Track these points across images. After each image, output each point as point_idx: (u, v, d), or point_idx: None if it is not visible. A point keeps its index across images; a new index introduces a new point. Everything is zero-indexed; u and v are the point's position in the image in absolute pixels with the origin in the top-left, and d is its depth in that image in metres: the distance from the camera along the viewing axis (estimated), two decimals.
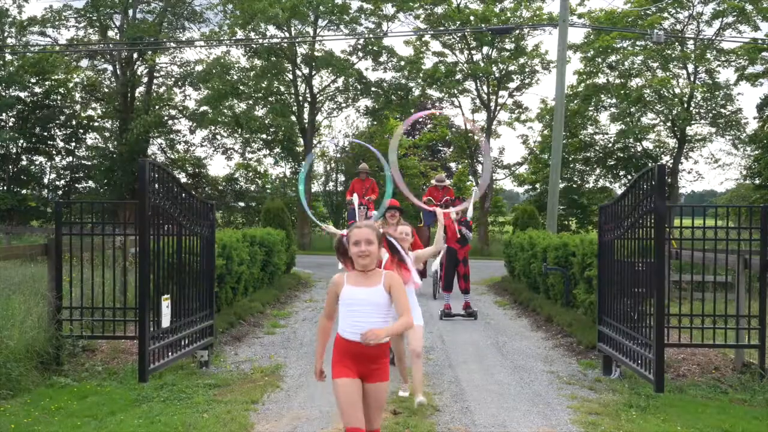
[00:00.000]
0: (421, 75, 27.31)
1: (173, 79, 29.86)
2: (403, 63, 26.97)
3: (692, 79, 27.07)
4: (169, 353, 6.82)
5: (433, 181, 15.51)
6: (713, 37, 26.18)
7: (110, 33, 29.47)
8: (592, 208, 28.38)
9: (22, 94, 28.47)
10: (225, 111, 27.21)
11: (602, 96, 27.80)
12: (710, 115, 27.43)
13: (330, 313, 4.10)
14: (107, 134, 30.24)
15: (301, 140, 28.15)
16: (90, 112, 30.63)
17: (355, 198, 13.51)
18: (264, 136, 28.53)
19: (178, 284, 7.03)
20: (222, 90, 25.87)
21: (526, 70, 27.44)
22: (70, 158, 30.10)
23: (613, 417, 5.78)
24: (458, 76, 27.42)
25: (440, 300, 11.93)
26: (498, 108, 28.29)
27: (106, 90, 30.36)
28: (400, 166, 31.46)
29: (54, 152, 29.67)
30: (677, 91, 27.31)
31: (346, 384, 3.91)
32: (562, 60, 18.21)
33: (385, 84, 27.58)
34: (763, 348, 6.96)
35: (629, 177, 28.03)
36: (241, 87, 26.72)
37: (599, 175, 30.27)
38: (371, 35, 26.54)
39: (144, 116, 27.13)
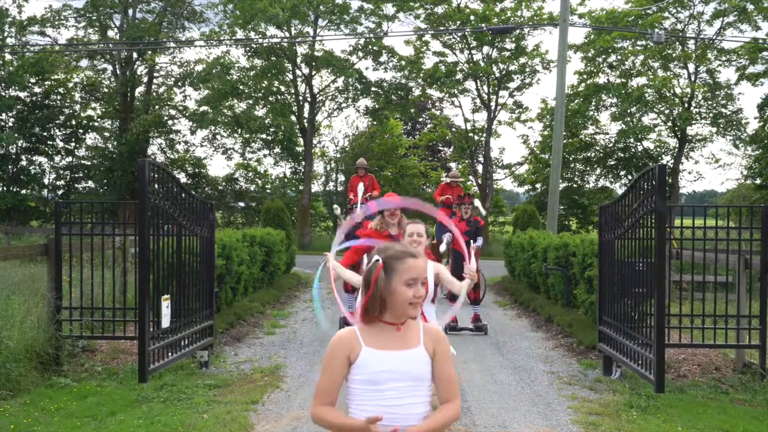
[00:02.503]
0: (421, 75, 27.32)
1: (173, 79, 29.86)
2: (403, 63, 26.97)
3: (693, 78, 27.06)
4: (169, 353, 6.81)
5: (445, 178, 15.10)
6: (714, 37, 26.17)
7: (110, 33, 29.46)
8: (592, 208, 28.37)
9: (21, 94, 28.47)
10: (225, 111, 27.21)
11: (603, 96, 27.80)
12: (711, 114, 27.41)
13: (332, 399, 2.48)
14: (107, 134, 30.23)
15: (301, 140, 28.15)
16: (90, 112, 30.62)
17: (337, 209, 12.91)
18: (264, 136, 28.53)
19: (177, 284, 7.02)
20: (222, 90, 25.87)
21: (527, 69, 27.44)
22: (70, 158, 30.08)
23: (614, 417, 5.77)
24: (458, 76, 27.42)
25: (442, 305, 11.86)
26: (498, 108, 28.29)
27: (106, 90, 30.35)
28: (400, 166, 31.56)
29: (54, 152, 29.65)
30: (678, 90, 27.30)
31: None
32: (563, 60, 18.19)
33: (385, 84, 27.58)
34: (763, 348, 6.95)
35: (630, 177, 28.02)
36: (241, 87, 26.72)
37: (600, 175, 30.27)
38: (371, 35, 26.53)
39: (144, 116, 27.13)
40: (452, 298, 9.91)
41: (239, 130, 28.15)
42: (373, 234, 6.13)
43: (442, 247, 11.02)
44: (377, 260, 2.44)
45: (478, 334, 9.51)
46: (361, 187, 12.38)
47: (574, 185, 29.95)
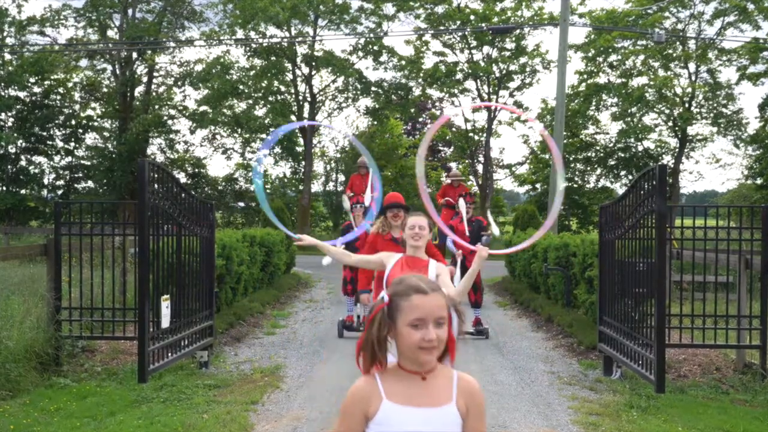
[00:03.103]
0: (421, 74, 27.32)
1: (173, 78, 29.85)
2: (403, 63, 26.96)
3: (693, 78, 27.06)
4: (169, 354, 6.80)
5: (446, 179, 14.94)
6: (714, 37, 26.17)
7: (110, 32, 29.46)
8: (592, 208, 28.37)
9: (21, 94, 28.47)
10: (225, 111, 27.21)
11: (603, 95, 27.80)
12: (711, 114, 27.42)
13: None
14: (106, 134, 30.23)
15: (301, 140, 28.15)
16: (89, 111, 30.62)
17: (346, 201, 11.31)
18: (264, 136, 28.53)
19: (177, 284, 7.01)
20: (222, 90, 25.87)
21: (527, 69, 27.45)
22: (70, 158, 30.09)
23: (614, 417, 5.76)
24: (458, 76, 27.43)
25: None
26: (498, 108, 28.29)
27: (106, 90, 30.35)
28: (400, 166, 31.56)
29: (53, 152, 29.65)
30: (678, 90, 27.30)
31: None
32: (563, 59, 18.18)
33: (385, 84, 27.58)
34: (764, 348, 6.94)
35: (630, 177, 28.02)
36: (240, 87, 26.72)
37: (600, 175, 30.28)
38: (371, 35, 26.53)
39: (143, 116, 27.12)
40: None
41: (239, 130, 28.15)
42: (374, 239, 5.90)
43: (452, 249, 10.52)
44: (382, 297, 2.09)
45: (479, 338, 9.29)
46: (368, 193, 10.97)
47: (575, 185, 29.96)
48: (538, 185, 30.34)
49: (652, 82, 26.49)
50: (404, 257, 4.58)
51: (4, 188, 27.90)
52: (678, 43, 26.82)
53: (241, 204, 31.48)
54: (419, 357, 2.01)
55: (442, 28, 27.13)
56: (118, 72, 29.32)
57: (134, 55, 28.94)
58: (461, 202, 10.22)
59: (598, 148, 29.65)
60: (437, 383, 2.06)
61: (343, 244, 9.75)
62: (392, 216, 6.00)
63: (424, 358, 2.01)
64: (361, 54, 26.98)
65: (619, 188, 29.25)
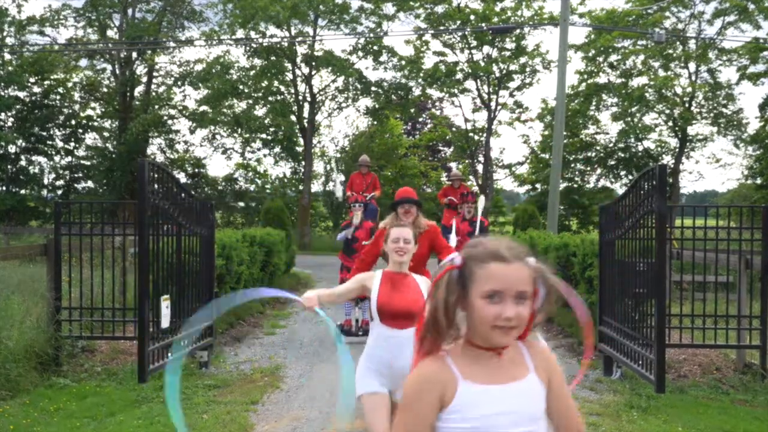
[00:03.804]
0: (421, 74, 27.30)
1: (173, 78, 29.84)
2: (403, 62, 26.96)
3: (694, 78, 27.05)
4: (169, 354, 6.79)
5: (445, 180, 14.94)
6: (715, 36, 26.16)
7: (109, 32, 29.45)
8: (593, 208, 28.35)
9: (21, 94, 28.44)
10: (225, 111, 27.19)
11: (603, 95, 27.79)
12: (712, 114, 27.40)
13: None
14: (106, 134, 30.22)
15: (301, 140, 28.15)
16: (89, 111, 30.59)
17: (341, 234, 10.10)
18: (264, 135, 28.53)
19: (177, 285, 7.01)
20: (222, 89, 25.87)
21: (527, 69, 27.43)
22: (69, 158, 30.06)
23: (614, 418, 5.75)
24: (458, 76, 27.41)
25: None
26: (498, 107, 28.29)
27: (106, 90, 30.34)
28: (400, 166, 31.55)
29: (53, 152, 29.64)
30: (678, 90, 27.29)
31: None
32: (563, 59, 18.18)
33: (385, 83, 27.57)
34: (764, 348, 6.93)
35: (630, 177, 28.01)
36: (240, 87, 26.71)
37: (600, 175, 30.26)
38: (371, 35, 26.53)
39: (143, 116, 27.11)
40: None
41: (239, 130, 28.14)
42: (381, 234, 5.79)
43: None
44: (452, 259, 1.78)
45: None
46: (366, 211, 10.74)
47: (575, 185, 29.94)
48: (538, 185, 30.33)
49: (652, 82, 26.48)
50: (386, 273, 3.96)
51: (4, 188, 27.89)
52: (678, 43, 26.81)
53: (241, 204, 31.47)
54: (492, 336, 1.73)
55: (442, 28, 27.12)
56: (117, 72, 29.30)
57: (134, 55, 28.93)
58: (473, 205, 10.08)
59: (598, 148, 29.63)
60: (510, 355, 1.81)
61: (342, 239, 9.75)
62: (403, 212, 5.58)
63: (498, 339, 1.73)
64: (361, 54, 26.97)
65: (619, 188, 29.23)
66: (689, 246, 7.43)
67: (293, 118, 27.39)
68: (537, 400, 1.81)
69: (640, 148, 28.80)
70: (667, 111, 27.39)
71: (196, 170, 31.04)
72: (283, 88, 27.49)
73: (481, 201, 10.49)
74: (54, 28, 28.79)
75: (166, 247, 6.84)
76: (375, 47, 26.54)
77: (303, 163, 28.43)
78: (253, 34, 26.52)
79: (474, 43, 27.14)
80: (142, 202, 6.39)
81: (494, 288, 1.69)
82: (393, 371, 3.76)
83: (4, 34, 27.72)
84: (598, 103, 28.16)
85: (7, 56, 27.77)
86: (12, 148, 28.12)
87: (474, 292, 1.71)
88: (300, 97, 27.62)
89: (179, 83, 29.35)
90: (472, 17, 26.36)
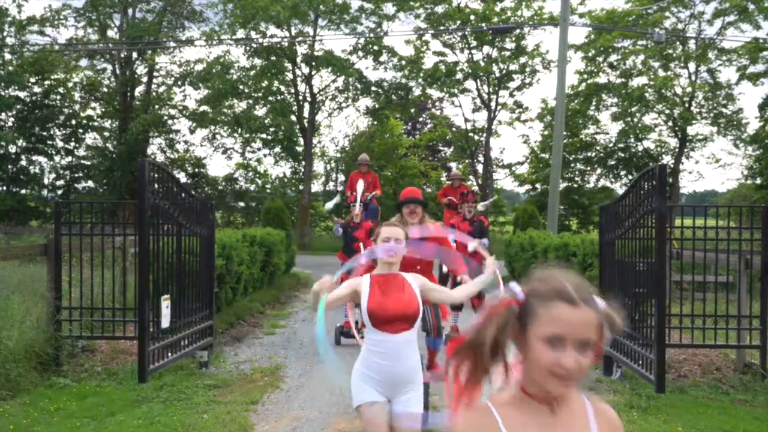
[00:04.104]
0: (421, 74, 27.31)
1: (173, 78, 29.85)
2: (403, 62, 26.97)
3: (693, 78, 27.05)
4: (169, 354, 6.80)
5: (446, 180, 14.86)
6: (714, 37, 26.16)
7: (110, 32, 29.45)
8: (593, 208, 28.35)
9: (21, 94, 28.44)
10: (225, 111, 27.20)
11: (603, 95, 27.80)
12: (711, 114, 27.41)
13: None
14: (107, 134, 30.22)
15: (301, 140, 28.16)
16: (89, 111, 30.59)
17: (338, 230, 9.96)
18: (264, 135, 28.52)
19: (177, 284, 7.01)
20: (222, 89, 25.87)
21: (527, 69, 27.44)
22: (70, 158, 30.06)
23: None
24: (458, 76, 27.42)
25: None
26: (498, 108, 28.29)
27: (106, 90, 30.34)
28: (400, 166, 31.58)
29: (53, 152, 29.64)
30: (678, 90, 27.30)
31: None
32: (563, 59, 18.18)
33: (385, 83, 27.58)
34: (764, 348, 6.93)
35: (630, 177, 28.01)
36: (241, 86, 26.72)
37: (600, 174, 30.26)
38: (371, 35, 26.53)
39: (143, 116, 27.12)
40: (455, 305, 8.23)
41: (239, 130, 28.14)
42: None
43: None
44: (513, 291, 1.59)
45: None
46: (360, 184, 10.95)
47: (575, 185, 29.94)
48: (538, 185, 30.32)
49: (652, 82, 26.48)
50: (374, 277, 3.74)
51: (4, 188, 27.90)
52: (678, 43, 26.81)
53: (242, 204, 31.47)
54: (547, 383, 1.54)
55: (442, 28, 27.13)
56: (118, 72, 29.31)
57: (134, 55, 28.93)
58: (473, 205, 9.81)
59: (598, 148, 29.63)
60: (569, 412, 1.60)
61: (338, 233, 9.65)
62: (408, 213, 5.34)
63: (554, 388, 1.53)
64: (361, 54, 26.97)
65: (619, 188, 29.23)
66: (689, 246, 7.43)
67: (293, 118, 27.40)
68: None
69: (640, 148, 28.80)
70: (667, 111, 27.40)
71: (196, 170, 31.04)
72: (283, 88, 27.50)
73: (481, 206, 10.17)
74: (54, 28, 28.81)
75: (166, 247, 6.84)
76: (375, 47, 26.55)
77: (303, 163, 28.44)
78: (253, 34, 26.52)
79: (474, 43, 27.15)
80: (142, 202, 6.39)
81: (556, 332, 1.51)
82: (390, 378, 3.62)
83: (5, 34, 27.71)
84: (598, 103, 28.16)
85: (8, 56, 27.77)
86: (12, 148, 28.12)
87: (533, 332, 1.54)
88: (300, 97, 27.63)
89: (179, 83, 29.36)
90: (472, 17, 26.37)
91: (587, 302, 1.53)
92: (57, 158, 29.85)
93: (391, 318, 3.60)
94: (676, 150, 28.11)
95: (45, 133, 29.29)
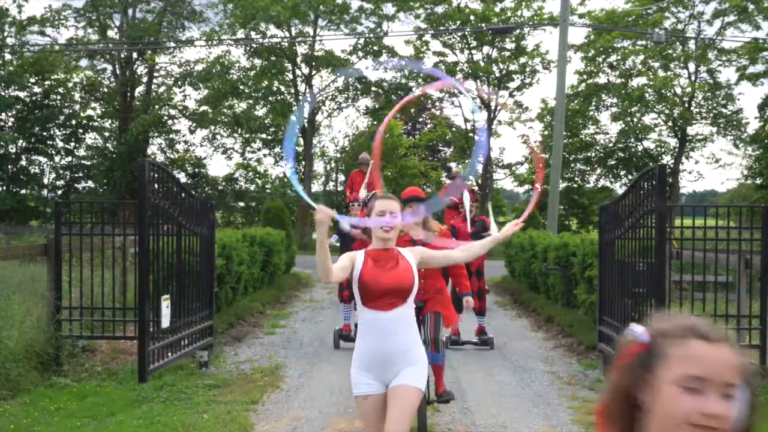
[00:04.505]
0: (421, 75, 27.33)
1: (173, 78, 29.86)
2: (403, 62, 27.01)
3: (693, 78, 27.07)
4: (169, 353, 6.80)
5: (445, 180, 14.87)
6: (714, 37, 26.17)
7: (110, 33, 29.47)
8: (592, 208, 28.36)
9: (21, 94, 28.45)
10: (225, 111, 27.22)
11: (603, 96, 27.81)
12: (711, 114, 27.43)
13: None
14: (107, 134, 30.23)
15: (301, 140, 28.17)
16: (89, 111, 30.60)
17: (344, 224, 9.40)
18: (264, 135, 28.53)
19: (177, 284, 7.02)
20: (222, 90, 25.89)
21: (527, 69, 27.47)
22: (70, 158, 30.07)
23: None
24: (458, 76, 27.44)
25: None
26: (498, 108, 28.30)
27: (106, 90, 30.35)
28: (400, 167, 31.58)
29: (53, 152, 29.65)
30: (678, 90, 27.31)
31: None
32: (563, 59, 18.18)
33: (385, 84, 27.59)
34: (764, 348, 6.94)
35: (630, 177, 28.02)
36: (241, 87, 26.73)
37: (600, 174, 30.28)
38: (371, 35, 26.55)
39: (143, 116, 27.13)
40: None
41: (239, 130, 28.16)
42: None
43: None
44: (635, 335, 1.35)
45: (483, 349, 8.55)
46: (364, 190, 10.45)
47: (574, 185, 29.96)
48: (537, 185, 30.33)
49: (652, 82, 26.50)
50: (370, 252, 3.60)
51: (4, 188, 27.90)
52: (678, 43, 26.83)
53: (242, 204, 31.46)
54: None
55: (442, 28, 27.15)
56: (118, 72, 29.32)
57: (134, 55, 28.94)
58: (465, 195, 9.72)
59: (598, 148, 29.65)
60: None
61: (337, 239, 9.60)
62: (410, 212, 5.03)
63: None
64: (360, 54, 26.99)
65: (619, 188, 29.24)
66: (689, 246, 7.43)
67: (293, 118, 27.43)
68: None
69: (640, 148, 28.81)
70: (667, 111, 27.41)
71: (197, 170, 31.05)
72: (283, 88, 27.52)
73: (466, 199, 9.78)
74: (54, 29, 28.83)
75: (166, 247, 6.85)
76: (375, 47, 26.56)
77: (303, 163, 28.45)
78: (253, 34, 26.55)
79: (474, 43, 27.18)
80: (142, 202, 6.40)
81: (696, 373, 1.25)
82: (380, 357, 3.49)
83: (5, 34, 27.73)
84: (597, 103, 28.18)
85: (8, 56, 27.77)
86: (12, 148, 28.13)
87: (664, 376, 1.28)
88: (300, 97, 27.65)
89: (179, 83, 29.38)
90: (471, 17, 26.40)
91: (725, 340, 1.29)
92: (57, 158, 29.86)
93: (383, 292, 3.47)
94: (676, 150, 28.13)
95: (45, 133, 29.29)
